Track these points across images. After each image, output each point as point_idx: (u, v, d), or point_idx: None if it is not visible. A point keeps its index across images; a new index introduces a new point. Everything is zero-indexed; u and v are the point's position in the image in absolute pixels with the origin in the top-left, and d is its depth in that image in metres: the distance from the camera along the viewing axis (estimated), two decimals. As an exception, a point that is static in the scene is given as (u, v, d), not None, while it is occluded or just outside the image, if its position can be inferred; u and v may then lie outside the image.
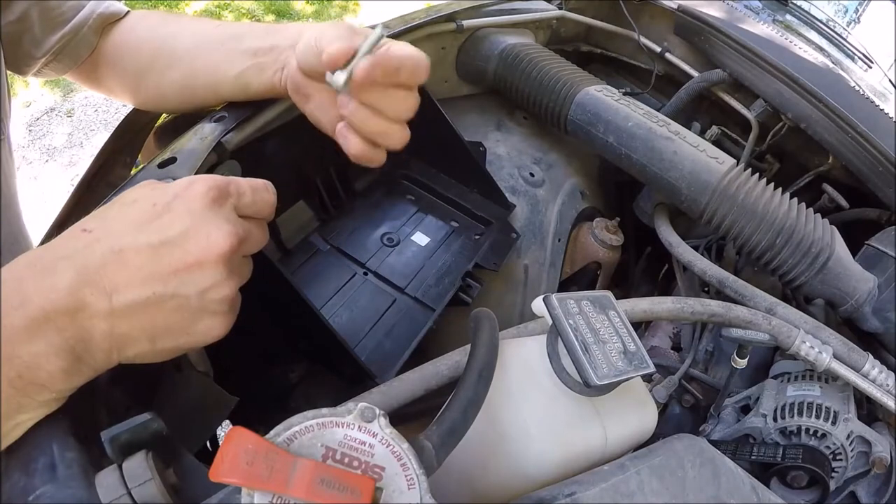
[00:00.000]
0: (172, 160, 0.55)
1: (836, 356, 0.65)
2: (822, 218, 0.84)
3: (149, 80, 0.66)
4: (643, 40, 1.22)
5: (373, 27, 0.48)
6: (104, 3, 0.67)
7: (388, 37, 0.82)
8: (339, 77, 0.44)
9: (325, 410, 0.32)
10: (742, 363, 0.71)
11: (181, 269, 0.36)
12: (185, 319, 0.37)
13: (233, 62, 0.60)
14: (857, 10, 1.95)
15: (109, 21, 0.67)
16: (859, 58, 1.58)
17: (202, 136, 0.61)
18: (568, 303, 0.45)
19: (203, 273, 0.36)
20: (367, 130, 0.50)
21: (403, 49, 0.47)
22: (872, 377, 0.65)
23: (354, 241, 0.78)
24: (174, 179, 0.42)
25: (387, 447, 0.31)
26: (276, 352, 0.69)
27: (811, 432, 0.68)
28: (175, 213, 0.36)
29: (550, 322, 0.44)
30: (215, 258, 0.36)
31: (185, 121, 0.65)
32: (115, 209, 0.38)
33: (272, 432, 0.30)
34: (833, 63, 1.38)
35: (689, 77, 1.17)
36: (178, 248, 0.36)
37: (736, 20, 1.22)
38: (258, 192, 0.41)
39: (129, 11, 0.69)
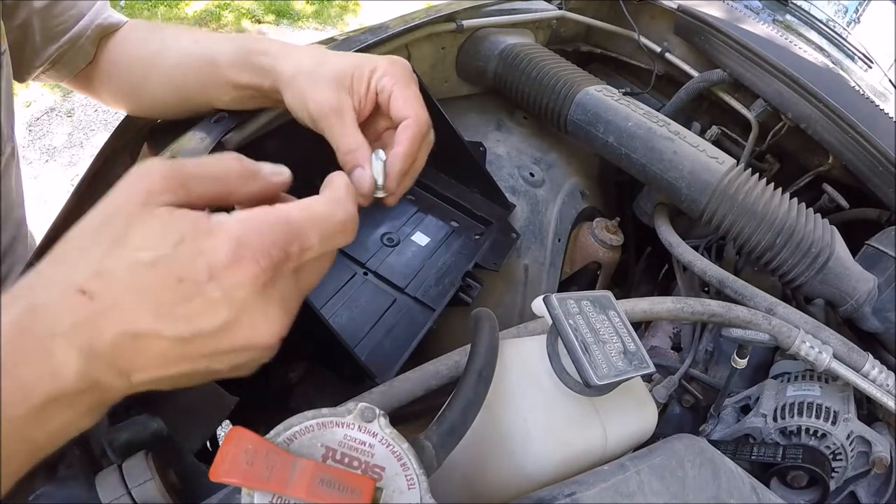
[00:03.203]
0: (172, 161, 0.55)
1: (836, 356, 0.65)
2: (822, 218, 0.84)
3: (143, 95, 0.67)
4: (643, 40, 1.22)
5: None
6: (103, 13, 0.67)
7: (387, 37, 0.83)
8: (380, 193, 0.49)
9: (325, 410, 0.32)
10: (742, 363, 0.71)
11: (214, 354, 0.30)
12: (210, 377, 0.33)
13: (219, 89, 0.60)
14: (857, 10, 1.95)
15: (107, 32, 0.67)
16: (859, 58, 1.58)
17: (202, 136, 0.61)
18: (568, 303, 0.45)
19: (242, 356, 0.31)
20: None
21: (408, 147, 0.48)
22: (872, 377, 0.65)
23: (354, 241, 0.77)
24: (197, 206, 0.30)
25: (387, 447, 0.31)
26: (276, 351, 0.69)
27: (811, 432, 0.68)
28: (209, 301, 0.28)
29: (550, 322, 0.44)
30: (257, 349, 0.31)
31: (182, 122, 0.65)
32: (122, 266, 0.28)
33: (272, 432, 0.30)
34: (833, 63, 1.38)
35: (689, 77, 1.17)
36: (213, 339, 0.29)
37: (736, 20, 1.22)
38: (330, 240, 0.33)
39: (126, 22, 0.69)
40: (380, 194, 0.49)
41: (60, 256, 0.30)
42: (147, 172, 0.30)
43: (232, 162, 0.33)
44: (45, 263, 0.30)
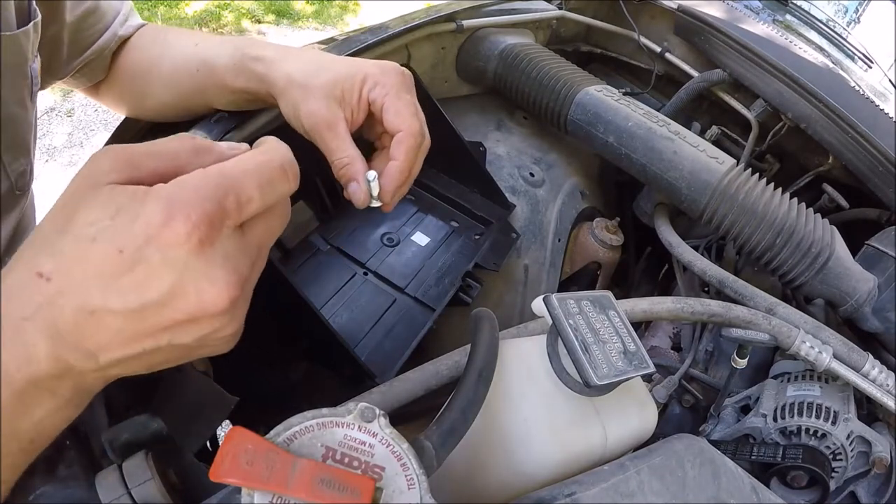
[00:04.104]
0: (172, 160, 0.55)
1: (836, 356, 0.65)
2: (822, 218, 0.84)
3: (145, 99, 0.67)
4: (643, 40, 1.22)
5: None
6: (126, 22, 0.66)
7: (387, 37, 0.83)
8: (375, 203, 0.51)
9: (325, 410, 0.32)
10: (742, 363, 0.71)
11: (171, 325, 0.30)
12: (182, 356, 0.33)
13: (216, 93, 0.60)
14: (857, 10, 1.95)
15: (124, 40, 0.67)
16: (859, 58, 1.58)
17: (202, 136, 0.61)
18: (568, 303, 0.45)
19: (200, 326, 0.30)
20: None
21: (402, 162, 0.50)
22: (872, 377, 0.65)
23: (354, 241, 0.78)
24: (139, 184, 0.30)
25: (387, 447, 0.31)
26: (276, 352, 0.69)
27: (811, 432, 0.68)
28: (150, 267, 0.28)
29: (550, 322, 0.44)
30: (210, 314, 0.30)
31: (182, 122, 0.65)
32: (70, 245, 0.29)
33: (272, 432, 0.30)
34: (833, 63, 1.38)
35: (689, 77, 1.17)
36: (165, 308, 0.29)
37: (736, 20, 1.22)
38: (271, 188, 0.32)
39: (139, 28, 0.69)
40: (375, 204, 0.50)
41: (26, 244, 0.30)
42: (96, 155, 0.31)
43: (184, 139, 0.33)
44: (15, 254, 0.30)
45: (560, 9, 1.20)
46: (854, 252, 0.83)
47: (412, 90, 0.53)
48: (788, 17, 1.60)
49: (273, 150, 0.33)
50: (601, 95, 0.92)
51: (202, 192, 0.29)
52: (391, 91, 0.51)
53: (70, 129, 2.76)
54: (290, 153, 0.33)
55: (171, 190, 0.29)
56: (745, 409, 0.78)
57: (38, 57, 0.56)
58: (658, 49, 1.22)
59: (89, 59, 0.64)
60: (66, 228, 0.29)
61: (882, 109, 1.12)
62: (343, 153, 0.49)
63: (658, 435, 0.51)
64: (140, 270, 0.28)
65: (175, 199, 0.28)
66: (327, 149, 0.50)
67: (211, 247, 0.29)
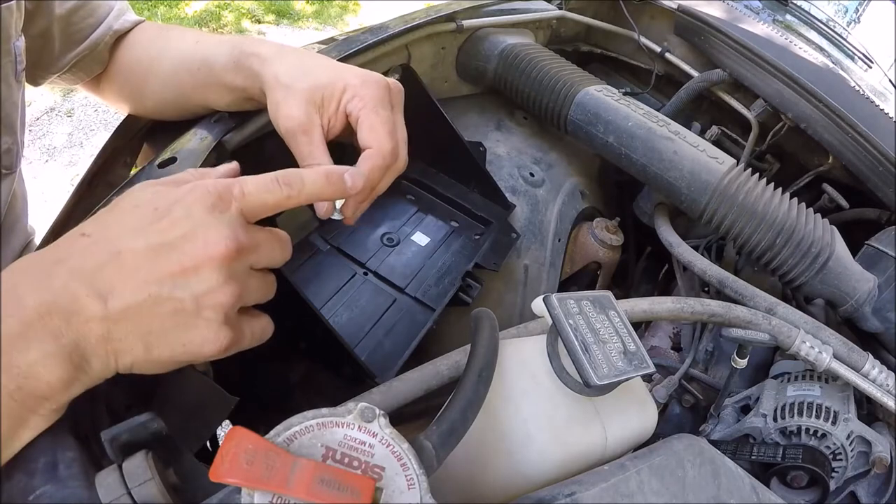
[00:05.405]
0: (172, 160, 0.56)
1: (836, 356, 0.65)
2: (822, 218, 0.84)
3: (145, 96, 0.67)
4: (643, 40, 1.22)
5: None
6: (121, 17, 0.67)
7: (387, 37, 0.83)
8: (336, 216, 0.51)
9: (325, 410, 0.32)
10: (742, 363, 0.71)
11: (178, 272, 0.35)
12: (179, 325, 0.36)
13: (215, 92, 0.60)
14: (857, 10, 1.95)
15: (121, 35, 0.67)
16: (859, 58, 1.58)
17: (202, 135, 0.61)
18: (568, 303, 0.45)
19: (199, 276, 0.36)
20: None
21: (367, 171, 0.49)
22: (872, 377, 0.65)
23: (354, 241, 0.78)
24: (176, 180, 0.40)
25: (387, 447, 0.31)
26: (276, 352, 0.69)
27: (811, 432, 0.68)
28: (175, 217, 0.36)
29: (550, 322, 0.44)
30: (211, 262, 0.36)
31: (182, 122, 0.65)
32: (115, 214, 0.37)
33: (272, 432, 0.30)
34: (833, 63, 1.38)
35: (689, 77, 1.17)
36: (176, 251, 0.35)
37: (736, 20, 1.22)
38: (266, 188, 0.39)
39: (138, 23, 0.69)
40: (337, 216, 0.50)
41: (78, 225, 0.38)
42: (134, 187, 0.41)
43: (193, 171, 0.43)
44: None
45: (560, 9, 1.20)
46: (854, 252, 0.83)
47: (395, 106, 0.52)
48: (788, 17, 1.60)
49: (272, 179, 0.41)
50: (601, 95, 0.92)
51: (219, 181, 0.38)
52: (368, 105, 0.50)
53: (70, 129, 2.76)
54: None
55: (196, 182, 0.39)
56: (745, 409, 0.78)
57: (22, 36, 0.56)
58: (658, 49, 1.22)
59: (83, 54, 0.64)
60: (114, 206, 0.38)
61: (882, 109, 1.12)
62: (313, 159, 0.50)
63: (658, 435, 0.51)
64: (166, 221, 0.36)
65: (200, 183, 0.38)
66: (299, 153, 0.50)
67: (221, 212, 0.37)
